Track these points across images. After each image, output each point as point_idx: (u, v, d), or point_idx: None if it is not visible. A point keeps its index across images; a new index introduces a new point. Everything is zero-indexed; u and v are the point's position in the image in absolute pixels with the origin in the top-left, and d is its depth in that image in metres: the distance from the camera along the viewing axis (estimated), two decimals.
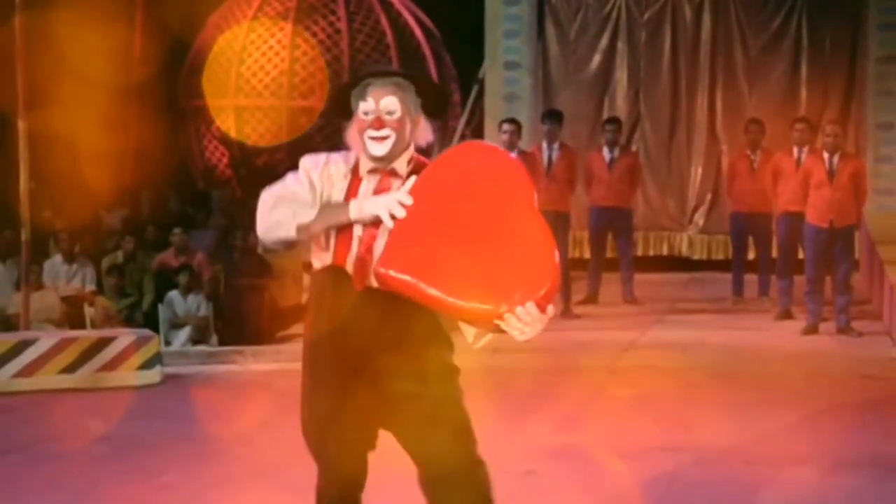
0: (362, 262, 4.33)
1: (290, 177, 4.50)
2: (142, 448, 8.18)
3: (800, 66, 16.76)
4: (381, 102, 4.38)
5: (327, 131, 19.86)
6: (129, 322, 13.04)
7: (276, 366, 11.39)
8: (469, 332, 4.27)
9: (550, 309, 4.08)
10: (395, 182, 4.40)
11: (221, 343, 12.81)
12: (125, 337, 10.58)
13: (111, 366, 10.32)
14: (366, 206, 4.27)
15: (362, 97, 4.42)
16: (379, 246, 4.28)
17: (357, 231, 4.34)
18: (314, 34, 20.12)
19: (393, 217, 4.19)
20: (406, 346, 4.37)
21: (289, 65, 20.09)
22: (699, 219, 16.78)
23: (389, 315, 4.31)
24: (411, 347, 4.38)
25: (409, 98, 4.43)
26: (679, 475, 7.16)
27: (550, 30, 17.08)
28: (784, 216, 13.05)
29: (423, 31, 20.62)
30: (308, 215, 4.35)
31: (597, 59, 17.03)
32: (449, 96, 4.48)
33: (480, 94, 17.30)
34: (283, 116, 20.10)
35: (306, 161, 4.52)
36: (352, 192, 4.42)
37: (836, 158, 12.19)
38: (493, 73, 16.84)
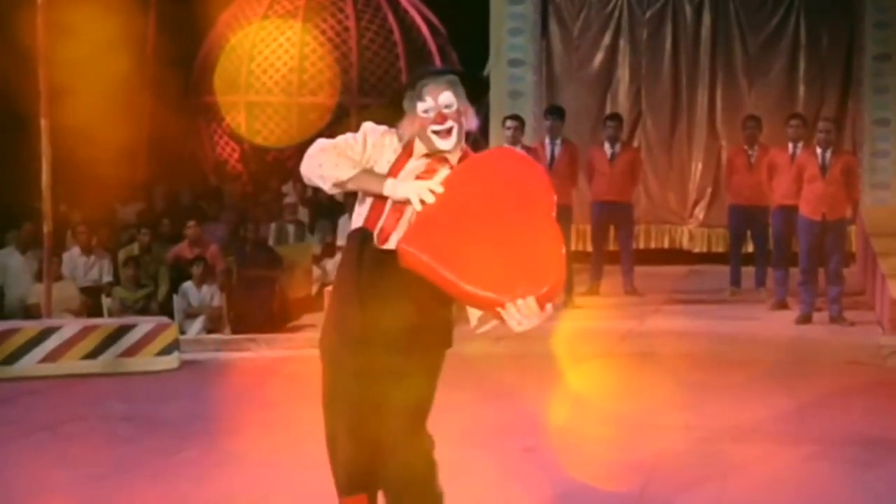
0: (386, 227, 4.75)
1: (349, 134, 4.92)
2: (162, 427, 8.58)
3: (798, 64, 17.03)
4: (440, 99, 4.80)
5: (336, 127, 20.24)
6: (145, 312, 13.36)
7: (289, 353, 11.80)
8: (474, 316, 4.68)
9: (549, 308, 4.46)
10: (442, 169, 4.81)
11: (234, 333, 13.14)
12: (145, 324, 10.99)
13: (131, 352, 10.73)
14: (400, 186, 4.70)
15: (420, 97, 4.82)
16: (404, 220, 4.72)
17: (389, 202, 4.75)
18: (323, 32, 20.48)
19: (422, 202, 4.62)
20: (409, 307, 4.75)
21: (298, 62, 20.44)
22: (699, 212, 17.07)
23: (401, 275, 4.67)
24: (413, 309, 4.76)
25: (460, 91, 4.85)
26: (668, 451, 7.54)
27: (554, 28, 17.37)
28: (779, 210, 13.36)
29: (430, 28, 20.98)
30: (348, 171, 4.77)
31: (599, 56, 17.32)
32: (485, 83, 5.01)
33: (485, 91, 17.60)
34: (292, 113, 20.44)
35: (367, 125, 4.94)
36: (398, 165, 4.83)
37: (828, 154, 12.53)
38: (497, 70, 17.13)
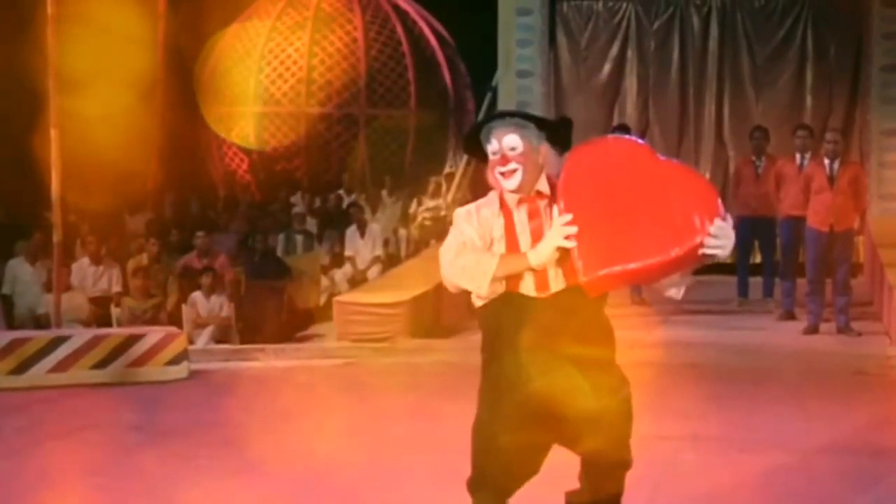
0: (541, 275, 4.79)
1: (458, 227, 4.93)
2: (172, 436, 8.64)
3: (805, 75, 17.09)
4: (504, 141, 4.85)
5: (344, 138, 20.30)
6: (154, 322, 13.38)
7: (297, 362, 11.87)
8: (671, 288, 4.88)
9: (729, 218, 4.68)
10: (542, 202, 4.86)
11: (242, 343, 13.18)
12: (154, 334, 11.04)
13: (141, 361, 10.79)
14: (541, 249, 4.75)
15: (488, 140, 4.89)
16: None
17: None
18: (331, 43, 20.52)
19: (569, 237, 4.68)
20: (583, 342, 4.83)
21: (306, 73, 20.49)
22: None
23: (569, 317, 4.79)
24: (588, 344, 4.86)
25: (529, 133, 4.88)
26: (675, 461, 7.58)
27: (562, 39, 17.44)
28: (786, 220, 13.38)
29: (438, 40, 21.03)
30: (489, 261, 4.79)
31: (607, 67, 17.39)
32: (569, 124, 5.04)
33: (494, 102, 17.62)
34: (300, 123, 20.48)
35: (461, 212, 4.97)
36: (509, 226, 4.87)
37: (836, 164, 12.55)
38: (506, 81, 17.17)
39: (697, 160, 17.12)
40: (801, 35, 17.08)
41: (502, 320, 4.86)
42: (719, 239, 4.63)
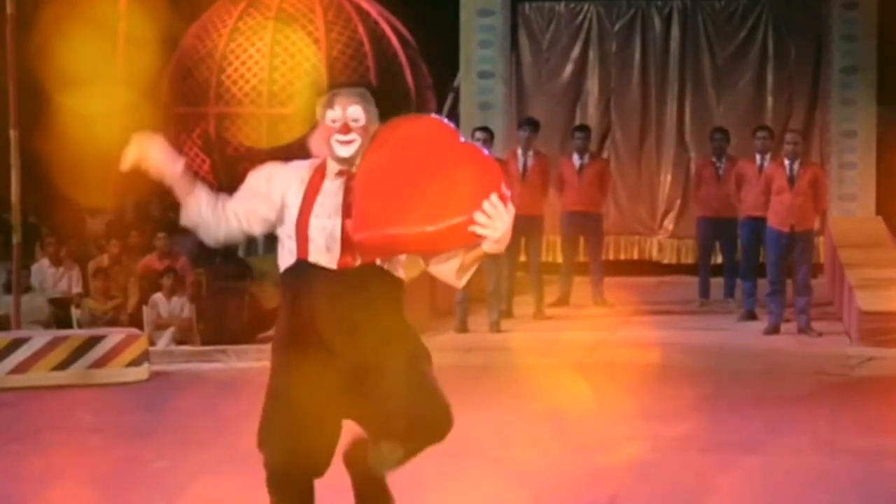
0: (345, 246, 4.73)
1: (245, 183, 5.00)
2: (133, 438, 8.58)
3: (766, 76, 17.16)
4: (348, 110, 4.84)
5: (306, 138, 20.25)
6: (114, 324, 13.32)
7: (259, 364, 11.74)
8: (450, 271, 4.71)
9: (510, 205, 4.52)
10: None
11: (203, 344, 13.12)
12: (114, 335, 10.97)
13: (101, 363, 10.71)
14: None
15: (330, 106, 4.86)
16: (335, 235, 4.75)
17: (317, 226, 4.76)
18: (293, 44, 20.43)
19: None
20: (371, 317, 4.77)
21: (268, 73, 20.38)
22: (669, 224, 17.17)
23: (356, 290, 4.73)
24: (375, 318, 4.79)
25: (371, 108, 4.91)
26: (637, 461, 7.59)
27: (523, 40, 17.45)
28: (747, 221, 13.46)
29: (400, 40, 20.95)
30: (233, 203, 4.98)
31: (569, 68, 17.41)
32: (395, 99, 5.09)
33: (455, 103, 17.62)
34: (262, 124, 20.37)
35: (267, 166, 4.99)
36: (313, 187, 4.82)
37: (796, 165, 12.63)
38: (467, 83, 17.19)
39: (659, 161, 17.19)
40: (762, 37, 17.15)
41: (296, 292, 4.81)
42: (492, 220, 4.48)
